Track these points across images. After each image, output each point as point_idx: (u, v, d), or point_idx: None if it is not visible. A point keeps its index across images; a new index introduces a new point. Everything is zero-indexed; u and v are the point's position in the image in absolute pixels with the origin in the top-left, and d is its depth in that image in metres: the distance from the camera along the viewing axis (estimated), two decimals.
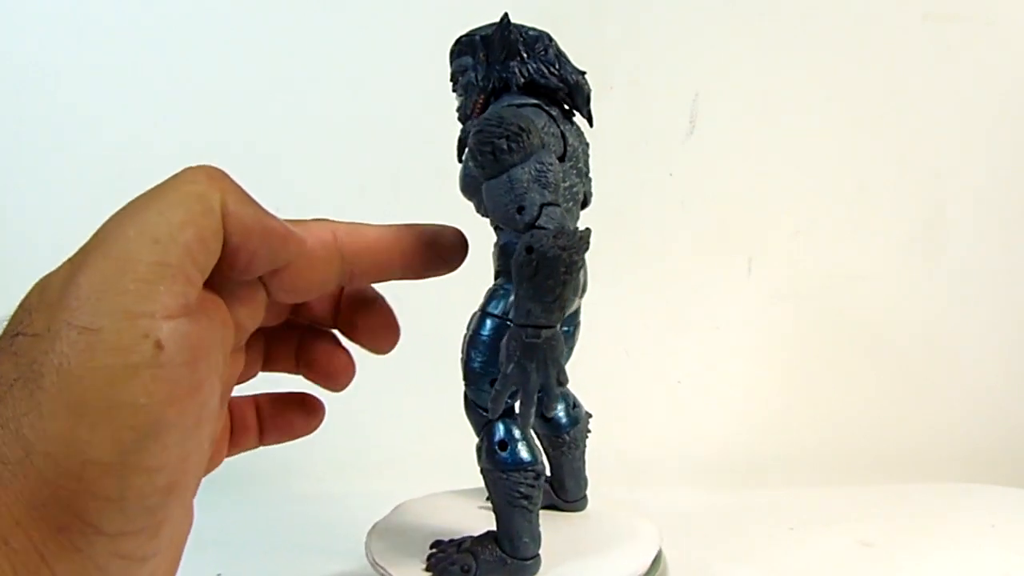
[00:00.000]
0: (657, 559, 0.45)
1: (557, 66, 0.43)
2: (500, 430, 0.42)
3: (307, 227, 0.27)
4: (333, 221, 0.28)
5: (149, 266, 0.21)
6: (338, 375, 0.31)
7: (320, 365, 0.31)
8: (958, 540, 0.58)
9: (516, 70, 0.42)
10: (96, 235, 0.22)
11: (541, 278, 0.35)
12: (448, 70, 0.45)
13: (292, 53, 0.82)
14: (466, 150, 0.42)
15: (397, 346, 0.33)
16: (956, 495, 0.70)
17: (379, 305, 0.32)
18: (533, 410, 0.37)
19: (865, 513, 0.65)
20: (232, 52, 0.82)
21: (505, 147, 0.37)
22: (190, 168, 0.24)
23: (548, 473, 0.52)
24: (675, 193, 0.81)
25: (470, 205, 0.44)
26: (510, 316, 0.41)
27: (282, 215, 0.26)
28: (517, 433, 0.42)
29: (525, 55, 0.42)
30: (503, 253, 0.43)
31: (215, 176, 0.23)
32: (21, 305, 0.22)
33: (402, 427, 0.77)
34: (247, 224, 0.24)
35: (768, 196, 0.81)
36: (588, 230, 0.36)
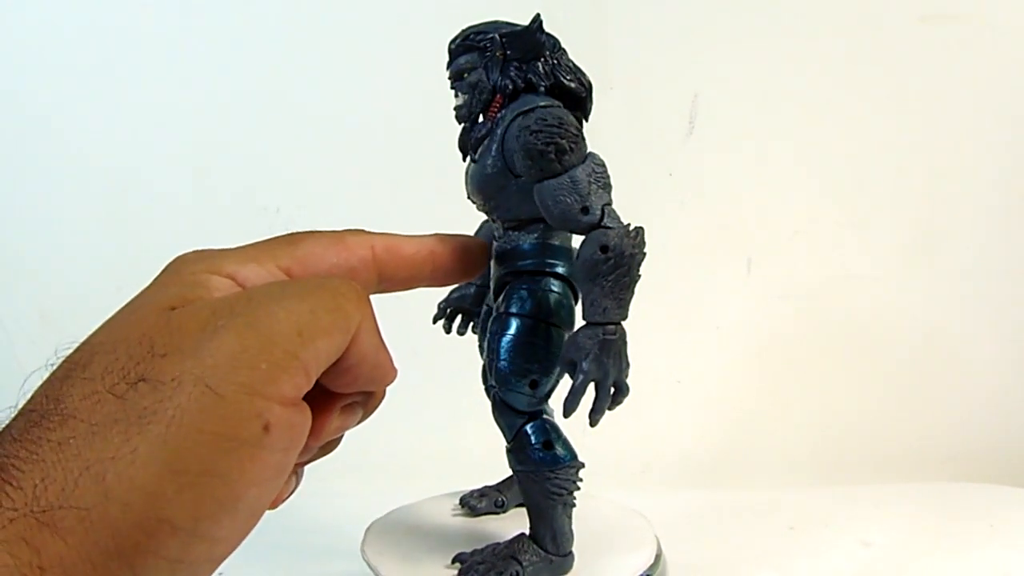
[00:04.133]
0: (657, 559, 0.45)
1: (573, 68, 0.43)
2: (541, 430, 0.42)
3: (347, 244, 0.28)
4: (369, 234, 0.29)
5: (284, 353, 0.21)
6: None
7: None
8: (958, 540, 0.58)
9: (542, 71, 0.41)
10: (247, 299, 0.22)
11: (618, 275, 0.37)
12: (441, 67, 0.45)
13: (288, 51, 0.82)
14: (493, 149, 0.41)
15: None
16: (956, 495, 0.70)
17: None
18: (607, 405, 0.38)
19: (865, 513, 0.65)
20: (231, 50, 0.82)
21: (567, 147, 0.38)
22: (347, 282, 0.25)
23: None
24: (675, 193, 0.81)
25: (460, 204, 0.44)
26: (541, 315, 0.41)
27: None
28: (555, 432, 0.42)
29: (548, 56, 0.42)
30: (513, 255, 0.43)
31: (363, 301, 0.25)
32: (146, 333, 0.21)
33: (401, 428, 0.77)
34: (366, 354, 0.25)
35: (768, 196, 0.81)
36: (642, 228, 0.38)
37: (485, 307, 0.49)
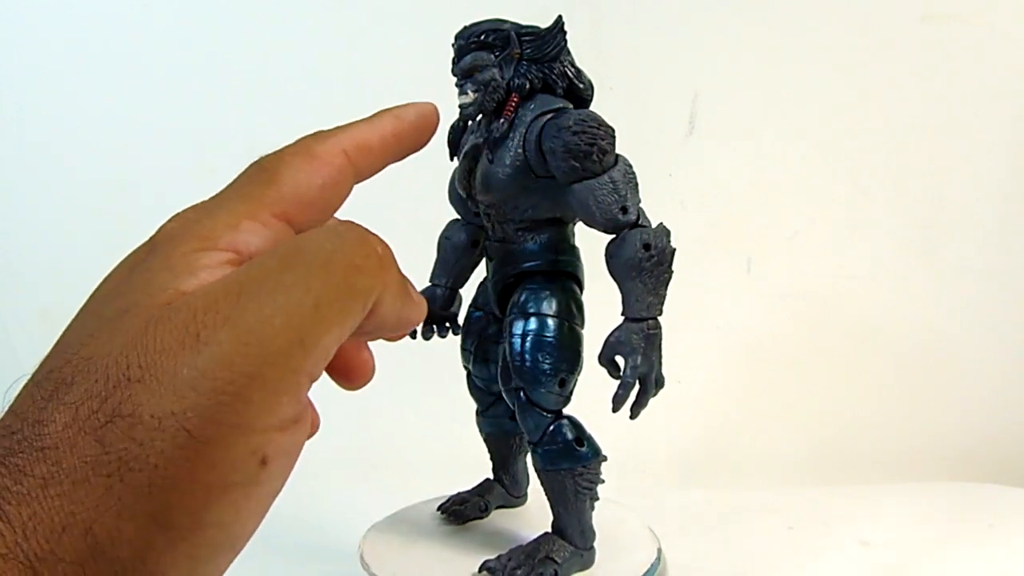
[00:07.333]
0: (657, 559, 0.45)
1: (580, 70, 0.43)
2: (570, 427, 0.42)
3: (322, 159, 0.24)
4: (335, 137, 0.25)
5: (283, 371, 0.18)
6: (357, 373, 0.25)
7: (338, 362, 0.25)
8: (958, 540, 0.58)
9: (559, 72, 0.42)
10: (235, 295, 0.19)
11: (660, 272, 0.38)
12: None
13: (286, 52, 0.82)
14: (514, 149, 0.41)
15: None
16: (956, 495, 0.70)
17: None
18: (650, 399, 0.38)
19: (865, 513, 0.65)
20: (231, 50, 0.82)
21: (607, 148, 0.39)
22: (364, 243, 0.21)
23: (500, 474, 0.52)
24: (675, 193, 0.81)
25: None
26: (565, 314, 0.42)
27: None
28: (582, 429, 0.43)
29: (563, 58, 0.42)
30: (520, 255, 0.44)
31: (383, 266, 0.21)
32: (126, 346, 0.18)
33: (401, 428, 0.77)
34: (386, 318, 0.22)
35: (768, 196, 0.81)
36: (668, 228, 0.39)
37: (478, 311, 0.48)
